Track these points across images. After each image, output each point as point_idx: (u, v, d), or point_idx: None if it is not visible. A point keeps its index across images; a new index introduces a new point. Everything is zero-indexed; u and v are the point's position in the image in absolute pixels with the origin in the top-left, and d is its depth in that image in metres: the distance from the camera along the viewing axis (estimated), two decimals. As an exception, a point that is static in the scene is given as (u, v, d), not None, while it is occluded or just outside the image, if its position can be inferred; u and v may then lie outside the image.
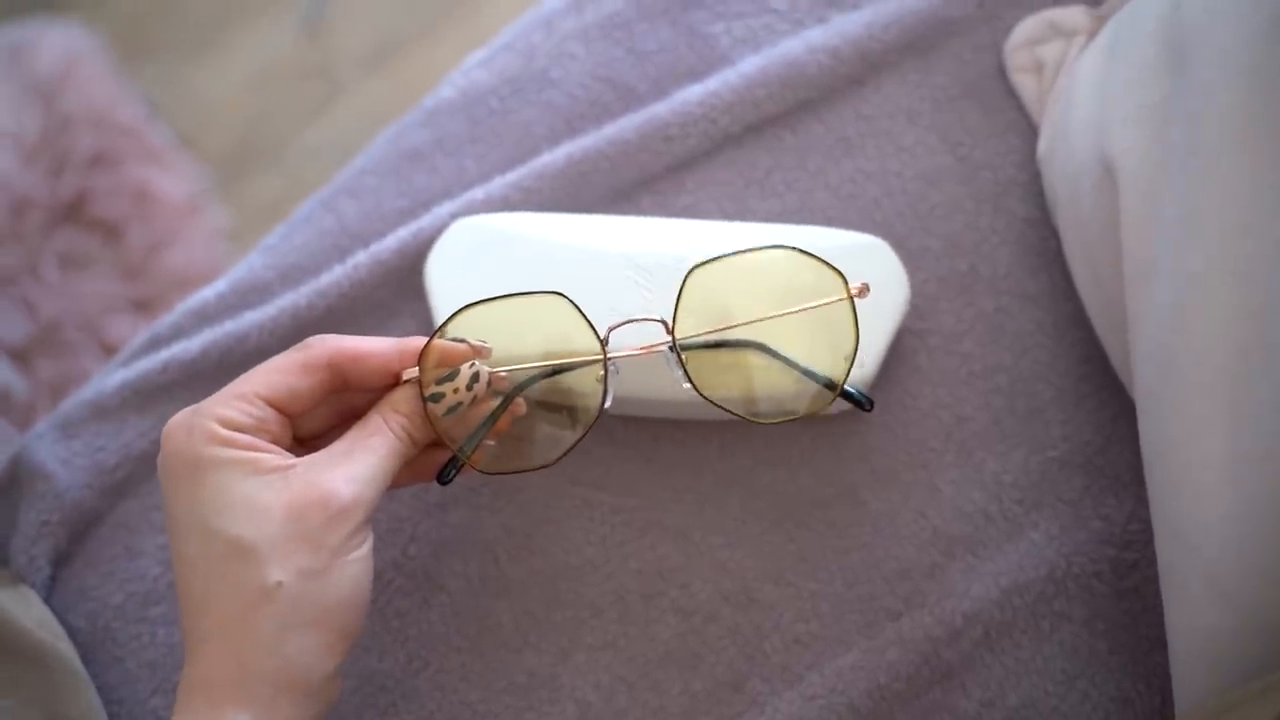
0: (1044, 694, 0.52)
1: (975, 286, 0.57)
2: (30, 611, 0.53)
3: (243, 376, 0.45)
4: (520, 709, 0.53)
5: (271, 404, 0.44)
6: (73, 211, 1.11)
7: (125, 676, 0.54)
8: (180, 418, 0.43)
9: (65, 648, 0.52)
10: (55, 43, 1.16)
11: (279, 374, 0.44)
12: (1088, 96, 0.53)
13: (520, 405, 0.47)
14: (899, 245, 0.57)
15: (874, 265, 0.53)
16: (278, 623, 0.41)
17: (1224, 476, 0.43)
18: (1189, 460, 0.44)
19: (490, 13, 1.21)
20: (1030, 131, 0.59)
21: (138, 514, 0.57)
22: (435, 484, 0.53)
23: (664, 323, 0.47)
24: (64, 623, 0.55)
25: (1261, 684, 0.39)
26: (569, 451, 0.47)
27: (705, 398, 0.47)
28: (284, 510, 0.41)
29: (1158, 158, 0.47)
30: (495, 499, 0.55)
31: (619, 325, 0.47)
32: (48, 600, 0.55)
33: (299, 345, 0.45)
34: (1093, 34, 0.58)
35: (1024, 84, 0.60)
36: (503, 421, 0.47)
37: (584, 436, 0.47)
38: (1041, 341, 0.56)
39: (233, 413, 0.43)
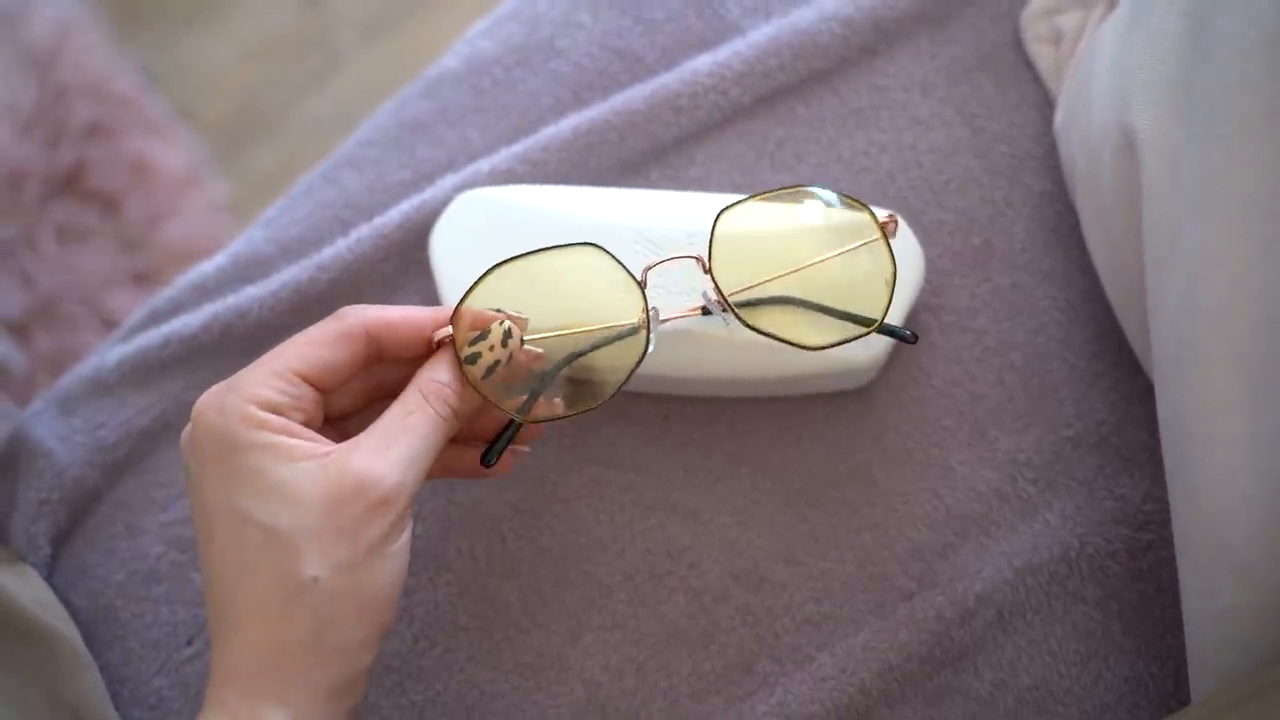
0: (1057, 675, 0.52)
1: (990, 262, 0.56)
2: (31, 590, 0.52)
3: (276, 350, 0.42)
4: (528, 689, 0.52)
5: (307, 380, 0.42)
6: (70, 183, 1.10)
7: (128, 656, 0.54)
8: (212, 396, 0.41)
9: (66, 627, 0.52)
10: (49, 10, 1.14)
11: (314, 346, 0.42)
12: (1108, 67, 0.52)
13: (558, 406, 0.45)
14: (913, 220, 0.56)
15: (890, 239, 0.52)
16: (314, 618, 0.39)
17: (1247, 457, 0.42)
18: (1210, 440, 0.43)
19: (491, -18, 1.19)
20: (1047, 104, 0.58)
21: (139, 492, 0.56)
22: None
23: (699, 259, 0.46)
24: (65, 602, 0.54)
25: (1256, 688, 0.38)
26: (616, 393, 0.45)
27: (757, 330, 0.46)
28: (322, 499, 0.39)
29: (1179, 131, 0.46)
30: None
31: (656, 264, 0.45)
32: (48, 579, 0.55)
33: (334, 315, 0.43)
34: (1112, 4, 0.56)
35: (1041, 54, 0.59)
36: (544, 407, 0.45)
37: (631, 375, 0.45)
38: (1056, 318, 0.55)
39: (269, 392, 0.41)
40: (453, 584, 0.53)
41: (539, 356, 0.44)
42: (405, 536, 0.42)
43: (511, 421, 0.45)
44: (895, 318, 0.51)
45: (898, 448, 0.54)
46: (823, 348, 0.47)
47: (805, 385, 0.53)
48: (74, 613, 0.54)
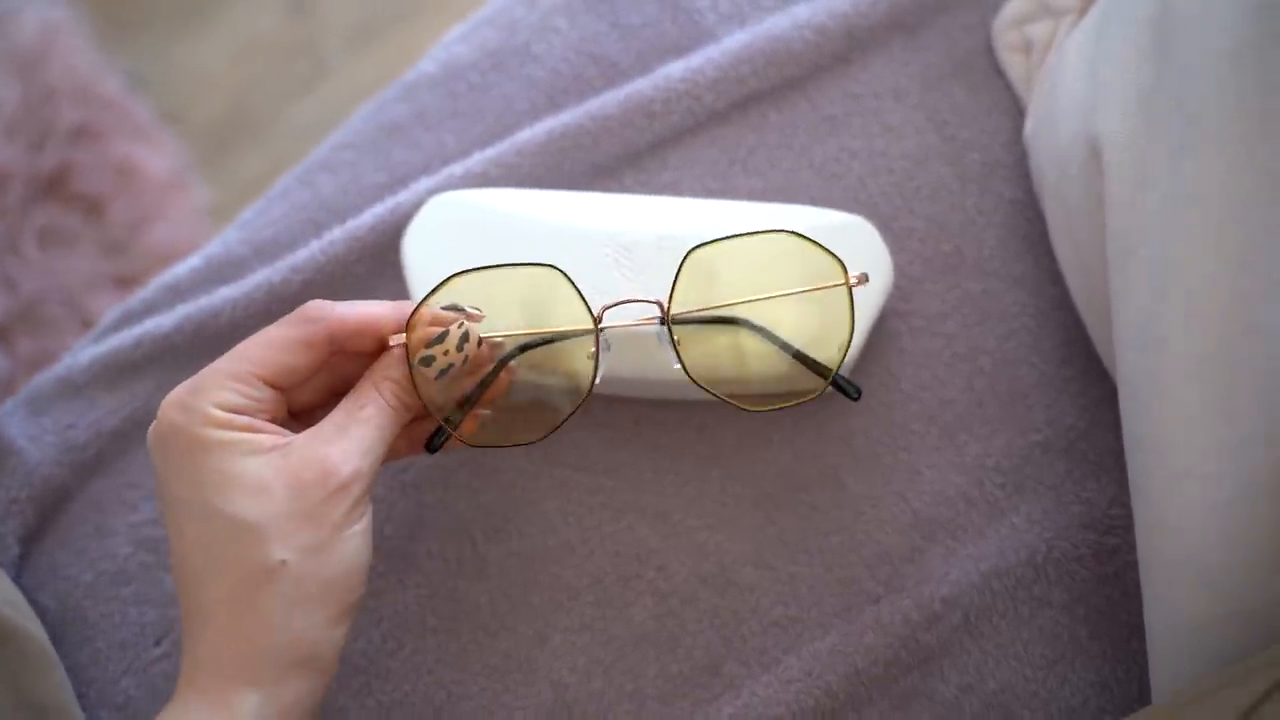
0: (1023, 679, 0.52)
1: (960, 268, 0.56)
2: (-2, 590, 0.52)
3: (238, 351, 0.44)
4: (496, 691, 0.52)
5: (268, 382, 0.43)
6: (54, 186, 1.10)
7: (95, 656, 0.54)
8: (176, 397, 0.43)
9: (34, 627, 0.52)
10: (35, 14, 1.14)
11: (276, 351, 0.43)
12: (1075, 77, 0.52)
13: (511, 372, 0.47)
14: (884, 225, 0.56)
15: (858, 246, 0.52)
16: (283, 600, 0.41)
17: (1208, 463, 0.42)
18: (1172, 447, 0.43)
19: (477, -11, 1.20)
20: (1018, 111, 0.59)
21: (109, 492, 0.56)
22: (410, 463, 0.52)
23: (660, 304, 0.46)
24: (33, 602, 0.54)
25: (1243, 666, 0.38)
26: (558, 428, 0.46)
27: (692, 379, 0.47)
28: (285, 488, 0.41)
29: (1144, 141, 0.46)
30: (473, 479, 0.54)
31: (615, 304, 0.46)
32: (16, 579, 0.55)
33: (297, 316, 0.44)
34: (1082, 13, 0.57)
35: (1012, 63, 0.59)
36: (490, 394, 0.46)
37: (574, 413, 0.46)
38: (1026, 324, 0.56)
39: (231, 395, 0.42)
40: (421, 585, 0.53)
41: (497, 347, 0.45)
42: (366, 520, 0.43)
43: (462, 404, 0.46)
44: (861, 325, 0.51)
45: (866, 452, 0.54)
46: (763, 410, 0.48)
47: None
48: (42, 613, 0.54)
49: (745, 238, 0.47)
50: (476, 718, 0.52)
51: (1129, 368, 0.46)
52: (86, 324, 1.06)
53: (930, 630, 0.52)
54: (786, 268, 0.47)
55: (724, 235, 0.47)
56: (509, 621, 0.53)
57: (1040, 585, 0.53)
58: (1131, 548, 0.52)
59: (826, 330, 0.48)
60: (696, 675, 0.52)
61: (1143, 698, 0.51)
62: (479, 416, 0.47)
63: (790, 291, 0.47)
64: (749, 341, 0.48)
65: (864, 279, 0.47)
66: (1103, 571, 0.53)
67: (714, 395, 0.47)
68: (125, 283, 1.10)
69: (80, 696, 0.53)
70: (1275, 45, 0.42)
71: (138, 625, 0.54)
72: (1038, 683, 0.52)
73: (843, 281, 0.47)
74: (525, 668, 0.52)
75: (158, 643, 0.54)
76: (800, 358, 0.48)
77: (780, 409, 0.48)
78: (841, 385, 0.48)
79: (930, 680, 0.52)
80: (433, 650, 0.53)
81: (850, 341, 0.47)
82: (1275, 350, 0.40)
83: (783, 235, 0.47)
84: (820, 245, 0.47)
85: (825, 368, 0.48)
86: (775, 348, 0.48)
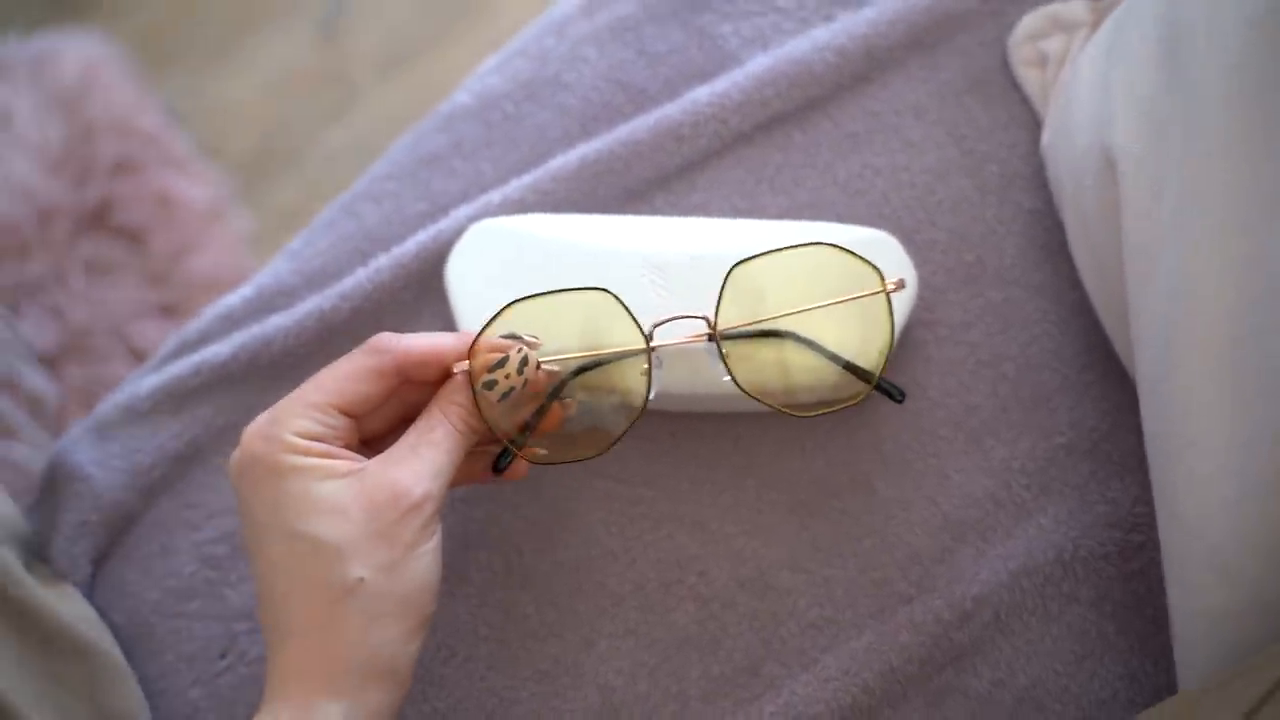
0: (1053, 674, 0.54)
1: (982, 278, 0.58)
2: (73, 608, 0.55)
3: (314, 381, 0.46)
4: (545, 695, 0.54)
5: (342, 411, 0.46)
6: (97, 219, 1.13)
7: (164, 669, 0.56)
8: (257, 426, 0.45)
9: (108, 643, 0.54)
10: (76, 52, 1.18)
11: (349, 381, 0.46)
12: (1088, 90, 0.54)
13: (570, 405, 0.49)
14: (907, 238, 0.58)
15: (882, 259, 0.53)
16: (362, 616, 0.43)
17: (1224, 460, 0.44)
18: (1190, 445, 0.45)
19: (504, 15, 1.23)
20: (1035, 124, 0.61)
21: (173, 513, 0.59)
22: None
23: (706, 319, 0.49)
24: (105, 619, 0.57)
25: (1255, 660, 0.40)
26: (616, 442, 0.49)
27: (743, 390, 0.49)
28: (360, 510, 0.44)
29: (1156, 151, 0.48)
30: (517, 493, 0.57)
31: (664, 321, 0.49)
32: (89, 597, 0.57)
33: (367, 349, 0.47)
34: (1094, 28, 0.59)
35: (1028, 78, 0.61)
36: (551, 418, 0.49)
37: (631, 427, 0.49)
38: (1047, 330, 0.58)
39: (309, 423, 0.45)
40: (472, 596, 0.56)
41: (555, 375, 0.48)
42: (436, 539, 0.46)
43: (522, 430, 0.48)
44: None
45: (896, 458, 0.56)
46: (812, 415, 0.51)
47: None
48: (113, 629, 0.57)
49: (784, 252, 0.49)
50: (528, 721, 0.54)
51: (1147, 369, 0.48)
52: (133, 352, 1.09)
53: (962, 628, 0.54)
54: (824, 279, 0.50)
55: (763, 251, 0.49)
56: (556, 628, 0.55)
57: (1068, 583, 0.54)
58: (1155, 545, 0.54)
59: (866, 336, 0.50)
60: (738, 676, 0.54)
61: (1170, 689, 0.53)
62: (541, 439, 0.49)
63: (832, 301, 0.49)
64: (793, 352, 0.51)
65: (901, 284, 0.49)
66: (1128, 568, 0.54)
67: (765, 405, 0.49)
68: (169, 311, 1.12)
69: (151, 708, 0.56)
70: (1274, 58, 0.44)
71: (203, 639, 0.57)
72: (1068, 677, 0.54)
73: (881, 289, 0.49)
74: (573, 672, 0.55)
75: (223, 655, 0.56)
76: (845, 365, 0.50)
77: (827, 413, 0.50)
78: (886, 389, 0.50)
79: (963, 676, 0.54)
80: (484, 658, 0.55)
81: (891, 345, 0.50)
82: (1283, 350, 0.42)
83: (820, 248, 0.49)
84: (857, 255, 0.49)
85: (869, 373, 0.50)
86: (819, 356, 0.51)
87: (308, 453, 0.44)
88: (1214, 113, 0.45)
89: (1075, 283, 0.58)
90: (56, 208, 1.11)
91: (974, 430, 0.56)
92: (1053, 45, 0.60)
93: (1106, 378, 0.57)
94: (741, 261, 0.49)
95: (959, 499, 0.56)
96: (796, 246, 0.49)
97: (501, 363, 0.47)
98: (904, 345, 0.57)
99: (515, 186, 0.60)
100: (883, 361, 0.50)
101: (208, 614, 0.57)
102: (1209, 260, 0.44)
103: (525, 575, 0.56)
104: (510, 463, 0.49)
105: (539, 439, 0.49)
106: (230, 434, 0.59)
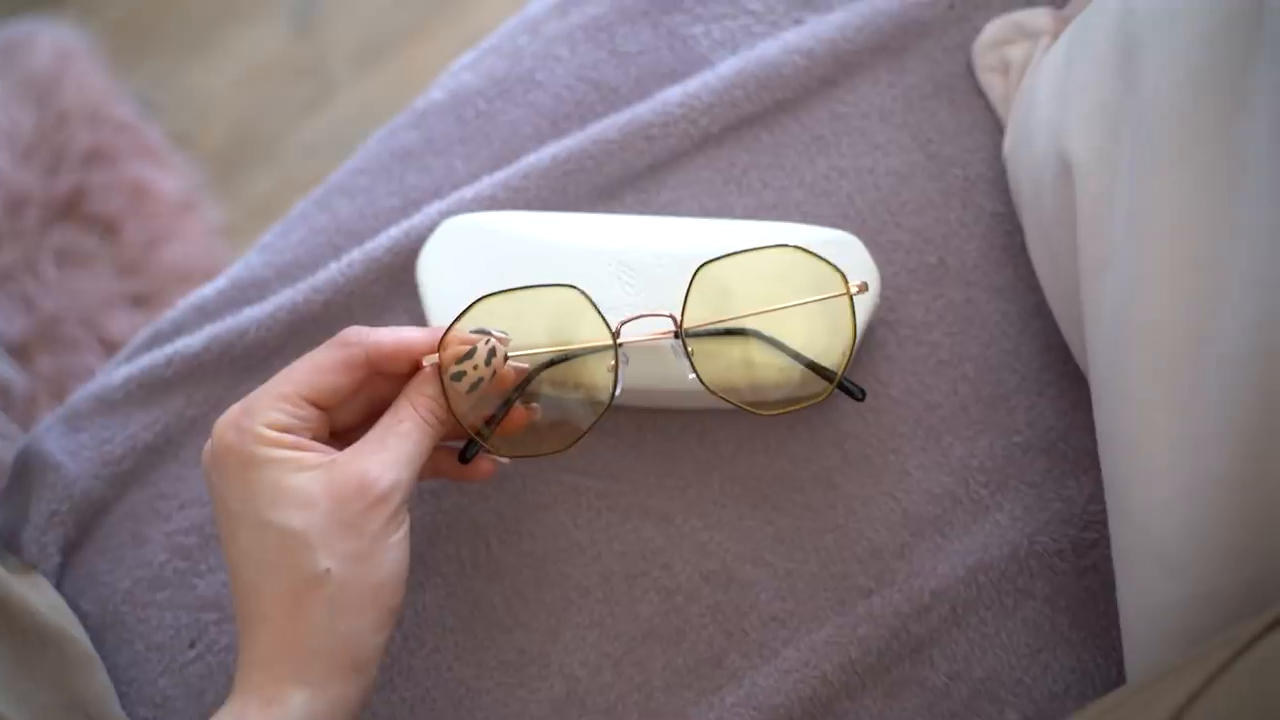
0: (1008, 667, 0.55)
1: (944, 279, 0.60)
2: (43, 598, 0.55)
3: (285, 374, 0.47)
4: (511, 685, 0.55)
5: (313, 402, 0.47)
6: (69, 208, 1.13)
7: (134, 658, 0.57)
8: (229, 418, 0.46)
9: (77, 632, 0.55)
10: (49, 40, 1.17)
11: (320, 373, 0.47)
12: (1048, 96, 0.56)
13: (535, 409, 0.50)
14: (871, 239, 0.59)
15: (846, 260, 0.55)
16: (329, 606, 0.44)
17: (1170, 458, 0.45)
18: (1138, 443, 0.46)
19: (481, 8, 1.23)
20: (998, 129, 0.62)
21: (144, 503, 0.59)
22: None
23: (673, 318, 0.50)
24: (75, 608, 0.57)
25: (1202, 648, 0.41)
26: (582, 437, 0.50)
27: (708, 388, 0.50)
28: (328, 500, 0.44)
29: (1110, 157, 0.49)
30: (486, 486, 0.57)
31: (632, 319, 0.50)
32: (59, 587, 0.58)
33: (336, 341, 0.48)
34: (1056, 35, 0.60)
35: (991, 83, 0.62)
36: (517, 418, 0.50)
37: (597, 422, 0.50)
38: (1007, 331, 0.59)
39: (280, 415, 0.46)
40: (440, 587, 0.56)
41: (523, 371, 0.49)
42: (404, 530, 0.46)
43: (488, 423, 0.49)
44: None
45: (858, 454, 0.57)
46: (774, 414, 0.52)
47: (770, 396, 0.56)
48: (83, 618, 0.57)
49: (750, 253, 0.50)
50: (494, 711, 0.55)
51: (1100, 371, 0.50)
52: (104, 342, 1.09)
53: (920, 622, 0.55)
54: (789, 280, 0.51)
55: (731, 251, 0.50)
56: (523, 619, 0.56)
57: (1023, 578, 0.56)
58: (1108, 542, 0.55)
59: (829, 337, 0.51)
60: (700, 667, 0.55)
61: (1120, 682, 0.54)
62: (508, 431, 0.50)
63: (796, 303, 0.51)
64: (757, 351, 0.52)
65: (864, 288, 0.51)
66: (1082, 564, 0.56)
67: (728, 402, 0.51)
68: (141, 301, 1.12)
69: (121, 696, 0.56)
70: (1226, 72, 0.45)
71: (173, 628, 0.57)
72: (1022, 670, 0.55)
73: (844, 291, 0.50)
74: (539, 662, 0.55)
75: (192, 645, 0.57)
76: (807, 364, 0.51)
77: (790, 411, 0.52)
78: (848, 387, 0.51)
79: (920, 669, 0.55)
80: (451, 648, 0.56)
81: (854, 346, 0.51)
82: (1228, 353, 0.43)
83: (785, 250, 0.51)
84: (821, 257, 0.50)
85: (831, 372, 0.51)
86: (782, 355, 0.52)
87: (278, 444, 0.45)
88: (1166, 122, 0.46)
89: (1035, 285, 0.59)
90: (27, 196, 1.10)
91: (934, 428, 0.58)
92: (1016, 52, 0.61)
93: (1064, 378, 0.58)
94: (708, 262, 0.50)
95: (918, 495, 0.57)
96: (763, 248, 0.50)
97: (469, 354, 0.48)
98: (866, 344, 0.58)
99: (487, 183, 0.61)
100: (845, 361, 0.51)
101: (178, 604, 0.57)
102: (1157, 265, 0.46)
103: (493, 567, 0.57)
104: (476, 453, 0.50)
105: (505, 437, 0.50)
106: (202, 425, 0.60)
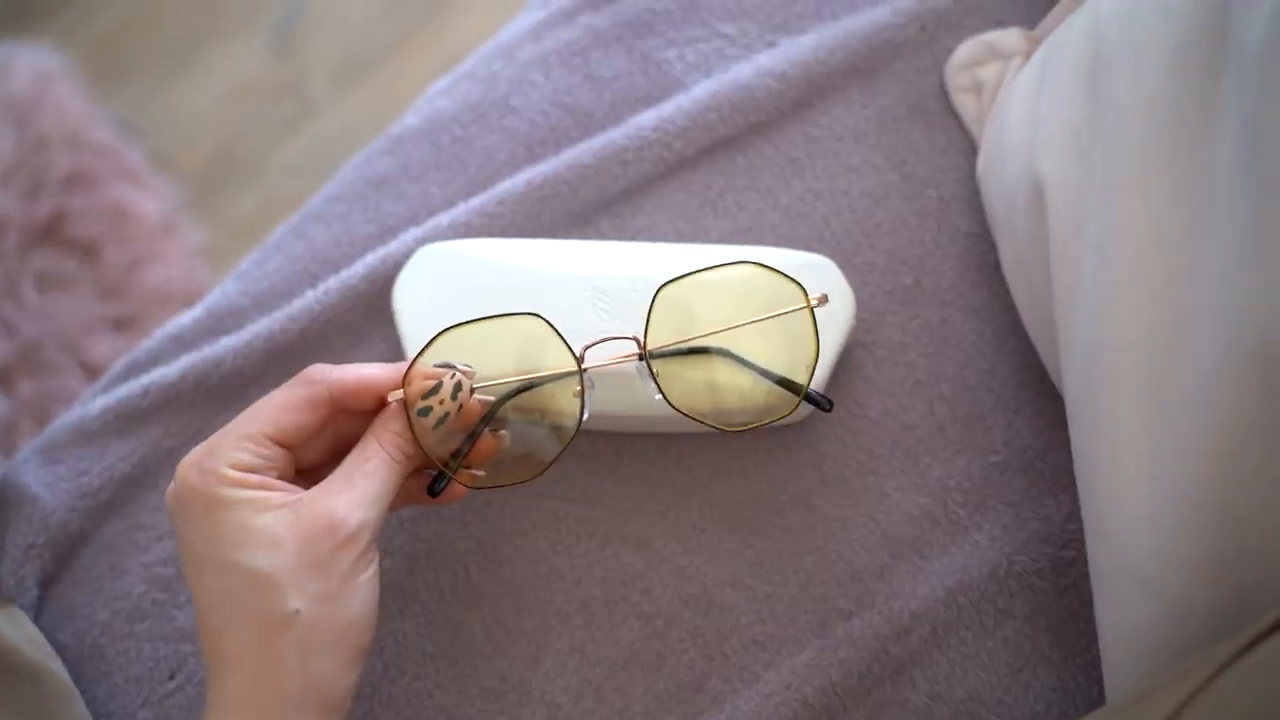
0: (989, 687, 0.55)
1: (920, 299, 0.60)
2: (20, 631, 0.55)
3: (248, 414, 0.47)
4: (492, 713, 0.55)
5: (277, 441, 0.46)
6: (49, 232, 1.13)
7: (113, 691, 0.57)
8: (193, 459, 0.46)
9: (55, 665, 0.55)
10: (28, 63, 1.17)
11: (284, 412, 0.47)
12: (1020, 118, 0.56)
13: (503, 437, 0.50)
14: (847, 261, 0.60)
15: (821, 283, 0.55)
16: (298, 647, 0.43)
17: (1143, 476, 0.46)
18: (1112, 461, 0.47)
19: (458, 30, 1.23)
20: (972, 149, 0.62)
21: (122, 534, 0.59)
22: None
23: (636, 340, 0.50)
24: (53, 641, 0.57)
25: (1181, 668, 0.42)
26: (551, 465, 0.50)
27: (675, 408, 0.50)
28: (296, 541, 0.44)
29: (1079, 178, 0.50)
30: (465, 513, 0.57)
31: (595, 343, 0.50)
32: (36, 620, 0.58)
33: (300, 380, 0.48)
34: (1028, 56, 0.60)
35: (964, 104, 0.63)
36: (485, 449, 0.49)
37: (566, 449, 0.49)
38: (983, 351, 0.59)
39: (244, 455, 0.45)
40: (420, 615, 0.56)
41: (488, 403, 0.49)
42: (373, 568, 0.46)
43: (455, 456, 0.49)
44: (826, 356, 0.55)
45: (836, 476, 0.57)
46: (743, 430, 0.52)
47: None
48: (62, 651, 0.57)
49: (711, 271, 0.51)
50: (475, 738, 0.55)
51: (1074, 389, 0.50)
52: (85, 366, 1.09)
53: (900, 643, 0.55)
54: (752, 297, 0.51)
55: (691, 270, 0.50)
56: (503, 646, 0.56)
57: (1003, 598, 0.56)
58: (1086, 560, 0.56)
59: (794, 351, 0.51)
60: (681, 692, 0.55)
61: (1101, 701, 0.55)
62: (477, 462, 0.50)
63: (757, 319, 0.51)
64: (723, 369, 0.52)
65: (824, 299, 0.51)
66: (1061, 583, 0.56)
67: (696, 420, 0.51)
68: (122, 325, 1.12)
69: (99, 730, 0.56)
70: (1191, 94, 0.45)
71: (152, 660, 0.57)
72: (1003, 690, 0.55)
73: (804, 304, 0.50)
74: (520, 689, 0.55)
75: (172, 676, 0.57)
76: (773, 378, 0.51)
77: (759, 427, 0.51)
78: (814, 399, 0.51)
79: (902, 690, 0.55)
80: (432, 676, 0.56)
81: (817, 359, 0.51)
82: (1197, 371, 0.44)
83: (745, 266, 0.51)
84: (780, 272, 0.51)
85: (798, 385, 0.51)
86: (749, 372, 0.52)
87: (243, 484, 0.45)
88: (1132, 144, 0.47)
89: (1010, 305, 0.59)
90: (7, 220, 1.10)
91: (911, 449, 0.58)
92: (988, 73, 0.62)
93: (1040, 396, 0.59)
94: (669, 281, 0.50)
95: (897, 517, 0.57)
96: (722, 266, 0.51)
97: (435, 389, 0.47)
98: (843, 366, 0.58)
99: (463, 209, 0.61)
100: (809, 374, 0.51)
101: (156, 635, 0.57)
102: (1127, 284, 0.46)
103: (472, 594, 0.57)
104: (445, 486, 0.49)
105: (475, 465, 0.50)
106: (179, 455, 0.59)
